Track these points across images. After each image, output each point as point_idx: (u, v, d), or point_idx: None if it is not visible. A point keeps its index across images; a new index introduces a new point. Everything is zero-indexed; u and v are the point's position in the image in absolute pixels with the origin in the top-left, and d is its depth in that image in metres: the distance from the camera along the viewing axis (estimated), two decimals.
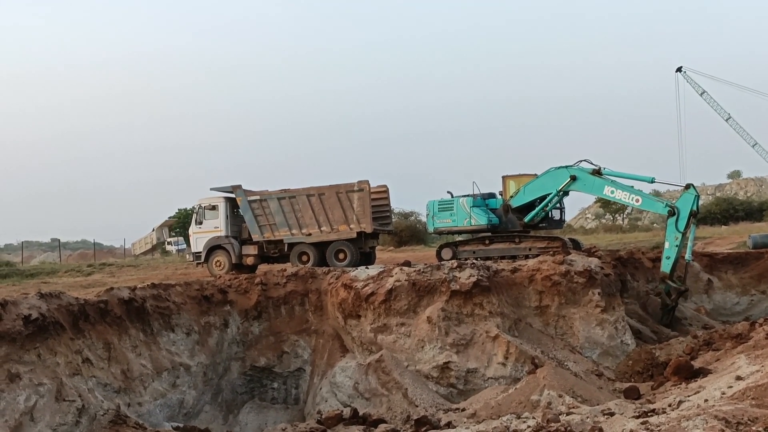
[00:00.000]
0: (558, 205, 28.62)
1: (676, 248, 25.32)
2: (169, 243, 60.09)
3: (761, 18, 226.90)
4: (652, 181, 26.43)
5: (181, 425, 17.65)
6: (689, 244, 25.80)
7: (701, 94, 59.54)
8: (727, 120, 62.16)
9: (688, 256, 25.96)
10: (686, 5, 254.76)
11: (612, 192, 26.44)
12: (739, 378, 14.90)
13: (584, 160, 26.98)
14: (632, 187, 26.54)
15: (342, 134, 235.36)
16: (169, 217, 59.49)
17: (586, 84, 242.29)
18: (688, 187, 25.39)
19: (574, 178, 26.71)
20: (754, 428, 9.95)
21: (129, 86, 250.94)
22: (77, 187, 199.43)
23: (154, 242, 57.54)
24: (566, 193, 27.60)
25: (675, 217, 25.29)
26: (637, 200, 26.40)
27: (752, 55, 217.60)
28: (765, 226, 53.02)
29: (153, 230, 57.11)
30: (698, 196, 25.47)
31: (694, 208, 25.15)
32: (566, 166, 27.01)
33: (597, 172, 26.49)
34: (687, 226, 25.28)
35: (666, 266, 25.62)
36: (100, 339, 17.03)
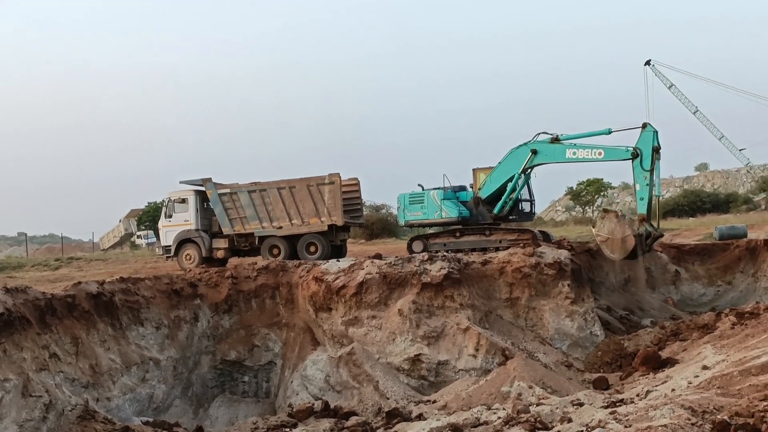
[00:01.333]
0: (528, 197, 28.71)
1: (647, 187, 25.62)
2: (138, 236, 59.46)
3: (725, 13, 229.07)
4: (610, 132, 26.70)
5: (150, 420, 17.55)
6: (657, 180, 26.18)
7: (669, 88, 60.10)
8: (694, 113, 62.79)
9: (657, 191, 26.36)
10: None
11: (574, 153, 26.84)
12: (705, 368, 15.08)
13: (541, 132, 27.32)
14: (592, 144, 27.04)
15: (313, 127, 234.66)
16: (135, 209, 58.54)
17: (557, 78, 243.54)
18: (645, 126, 25.75)
19: (535, 152, 26.93)
20: (719, 416, 10.07)
21: (97, 82, 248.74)
22: (44, 181, 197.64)
23: (122, 233, 56.66)
24: (529, 173, 27.98)
25: (639, 159, 25.62)
26: (600, 153, 26.66)
27: (720, 50, 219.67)
28: (731, 218, 53.56)
29: (120, 221, 56.31)
30: (656, 132, 25.77)
31: (655, 144, 25.54)
32: (525, 143, 27.26)
33: (556, 140, 26.93)
34: (652, 163, 25.59)
35: (642, 207, 25.93)
36: (67, 334, 16.86)
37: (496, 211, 27.51)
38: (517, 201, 27.81)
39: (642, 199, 25.85)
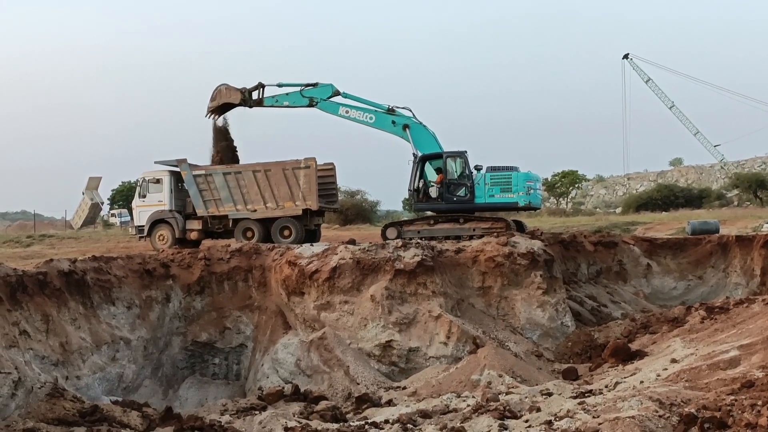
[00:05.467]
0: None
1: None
2: (113, 215, 58.55)
3: (704, 10, 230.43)
4: (389, 109, 28.40)
5: (119, 399, 17.46)
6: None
7: (647, 82, 60.43)
8: (670, 108, 63.19)
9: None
10: None
11: (347, 112, 28.71)
12: (674, 360, 15.24)
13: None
14: (371, 108, 28.80)
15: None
16: (93, 177, 55.71)
17: (533, 74, 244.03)
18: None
19: (314, 103, 28.90)
20: (686, 409, 10.19)
21: (75, 63, 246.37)
22: (17, 157, 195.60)
23: (88, 205, 54.48)
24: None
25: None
26: (371, 118, 28.52)
27: (697, 46, 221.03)
28: (704, 213, 54.07)
29: (83, 194, 54.05)
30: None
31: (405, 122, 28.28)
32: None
33: (336, 94, 28.74)
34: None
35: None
36: (38, 311, 16.75)
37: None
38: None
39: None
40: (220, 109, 29.98)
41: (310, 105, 28.88)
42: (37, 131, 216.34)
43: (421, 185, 27.51)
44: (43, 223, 67.17)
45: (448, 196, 27.21)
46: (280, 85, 29.55)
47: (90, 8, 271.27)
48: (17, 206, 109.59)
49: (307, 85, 28.90)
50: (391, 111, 28.35)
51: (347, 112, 28.63)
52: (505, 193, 27.25)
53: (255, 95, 29.64)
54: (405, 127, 27.96)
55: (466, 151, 27.54)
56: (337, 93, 28.72)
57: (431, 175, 27.68)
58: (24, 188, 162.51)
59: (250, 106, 29.76)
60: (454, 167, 27.42)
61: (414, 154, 27.66)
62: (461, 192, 27.29)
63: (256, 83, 29.61)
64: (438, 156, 27.58)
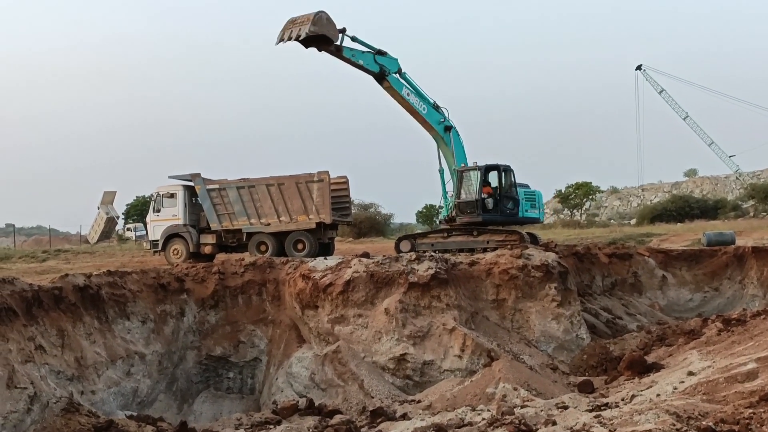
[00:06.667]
0: (513, 194, 28.25)
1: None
2: (128, 229, 58.60)
3: (718, 18, 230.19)
4: (433, 104, 28.43)
5: (134, 414, 17.48)
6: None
7: (660, 93, 60.32)
8: (684, 119, 63.03)
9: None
10: (646, 3, 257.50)
11: (408, 94, 28.18)
12: (690, 373, 15.11)
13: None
14: (426, 97, 28.64)
15: (303, 123, 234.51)
16: (108, 192, 56.09)
17: (548, 80, 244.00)
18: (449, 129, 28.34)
19: (384, 76, 28.03)
20: (704, 423, 10.09)
21: (85, 68, 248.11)
22: (33, 172, 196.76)
23: (104, 219, 54.68)
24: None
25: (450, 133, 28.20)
26: (424, 109, 28.30)
27: (710, 55, 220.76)
28: (719, 224, 53.79)
29: (98, 209, 54.31)
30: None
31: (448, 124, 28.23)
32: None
33: (399, 71, 28.35)
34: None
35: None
36: (53, 326, 16.80)
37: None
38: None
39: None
40: (312, 39, 26.99)
41: (380, 74, 27.93)
42: (52, 144, 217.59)
43: (480, 196, 27.44)
44: (59, 238, 67.46)
45: (503, 208, 27.68)
46: (354, 39, 28.02)
47: (117, 35, 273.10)
48: (33, 221, 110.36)
49: (378, 51, 28.07)
50: (436, 107, 28.31)
51: (408, 94, 28.10)
52: (533, 209, 28.39)
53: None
54: (447, 129, 27.95)
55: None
56: (399, 70, 28.30)
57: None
58: (39, 203, 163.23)
59: (335, 51, 27.58)
60: (506, 180, 27.92)
61: (470, 163, 28.04)
62: (510, 205, 27.83)
63: (341, 27, 27.53)
64: (494, 168, 27.94)
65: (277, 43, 26.93)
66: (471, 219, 27.51)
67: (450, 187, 28.80)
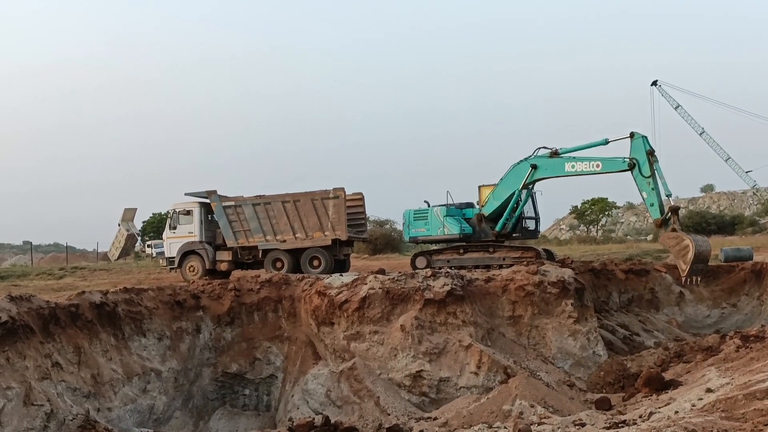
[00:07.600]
0: (533, 214, 28.84)
1: (654, 192, 25.72)
2: (149, 245, 58.81)
3: (736, 32, 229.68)
4: (607, 142, 26.86)
5: (151, 431, 17.52)
6: (661, 181, 26.06)
7: (676, 108, 59.96)
8: (701, 134, 62.65)
9: (666, 191, 26.17)
10: (663, 18, 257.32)
11: (573, 167, 27.12)
12: (709, 390, 14.98)
13: (541, 147, 27.65)
14: (590, 156, 27.24)
15: (320, 138, 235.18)
16: (128, 209, 56.20)
17: (567, 91, 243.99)
18: (632, 135, 26.01)
19: (535, 167, 27.22)
20: None
21: (104, 82, 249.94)
22: (50, 189, 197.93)
23: (125, 236, 54.85)
24: (531, 188, 28.39)
25: (637, 167, 25.84)
26: (598, 165, 26.83)
27: (726, 69, 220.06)
28: (737, 240, 53.53)
29: (119, 226, 54.53)
30: (645, 137, 25.98)
31: (648, 148, 25.77)
32: (525, 159, 27.57)
33: (555, 154, 27.22)
34: (651, 168, 25.71)
35: (655, 213, 26.11)
36: (70, 343, 16.88)
37: (498, 228, 27.55)
38: (521, 218, 27.96)
39: (652, 205, 26.07)
40: None
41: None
42: (70, 161, 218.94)
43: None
44: (76, 255, 67.73)
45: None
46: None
47: (139, 49, 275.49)
48: (50, 239, 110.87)
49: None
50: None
51: (573, 166, 27.15)
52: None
53: None
54: (632, 165, 26.00)
55: None
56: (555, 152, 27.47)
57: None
58: (56, 220, 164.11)
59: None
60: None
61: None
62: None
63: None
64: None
65: None
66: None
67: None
